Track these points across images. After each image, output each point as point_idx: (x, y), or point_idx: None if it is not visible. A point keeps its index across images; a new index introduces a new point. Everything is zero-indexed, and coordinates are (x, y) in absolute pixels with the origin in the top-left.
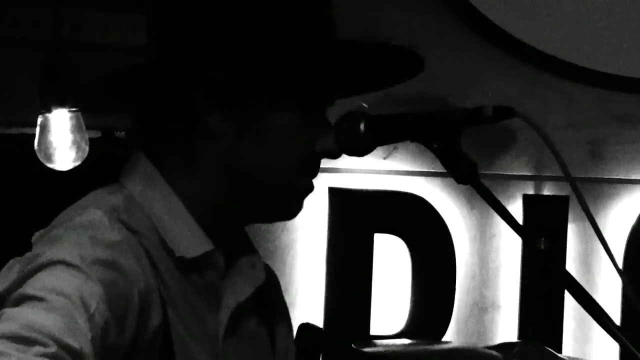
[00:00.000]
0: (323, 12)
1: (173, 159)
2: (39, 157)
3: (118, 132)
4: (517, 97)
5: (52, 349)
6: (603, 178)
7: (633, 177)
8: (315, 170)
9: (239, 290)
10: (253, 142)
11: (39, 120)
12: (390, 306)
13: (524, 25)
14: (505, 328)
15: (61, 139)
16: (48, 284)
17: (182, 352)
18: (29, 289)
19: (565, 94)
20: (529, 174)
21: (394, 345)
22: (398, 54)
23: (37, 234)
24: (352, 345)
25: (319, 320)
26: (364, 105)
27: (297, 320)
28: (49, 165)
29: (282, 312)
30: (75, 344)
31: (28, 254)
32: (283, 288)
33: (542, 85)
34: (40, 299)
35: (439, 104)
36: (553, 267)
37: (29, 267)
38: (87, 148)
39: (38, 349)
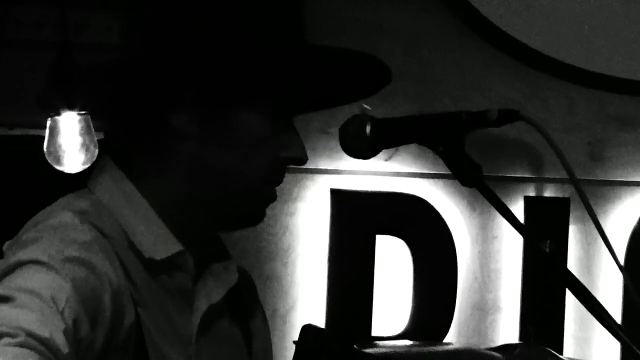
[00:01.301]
0: (292, 18)
1: (141, 162)
2: (49, 159)
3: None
4: (517, 99)
5: (21, 338)
6: (603, 180)
7: (633, 179)
8: (280, 177)
9: (211, 292)
10: (219, 146)
11: (48, 122)
12: (391, 307)
13: (524, 27)
14: (507, 329)
15: (70, 142)
16: (18, 284)
17: (155, 353)
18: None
19: (565, 96)
20: (530, 175)
21: (395, 346)
22: (366, 61)
23: (7, 243)
24: (354, 346)
25: (320, 322)
26: (367, 107)
27: (298, 321)
28: (58, 168)
29: (257, 312)
30: (45, 333)
31: (0, 261)
32: (284, 289)
33: (543, 88)
34: (10, 298)
35: (439, 107)
36: (557, 269)
37: (0, 271)
38: (96, 151)
39: (6, 339)
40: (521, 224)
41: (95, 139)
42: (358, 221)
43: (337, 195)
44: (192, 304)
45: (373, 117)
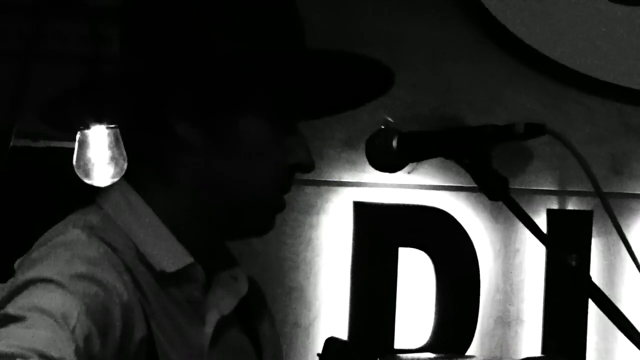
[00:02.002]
0: (291, 24)
1: (147, 173)
2: (78, 173)
3: None
4: (538, 111)
5: (33, 359)
6: (625, 193)
7: None
8: (288, 185)
9: (222, 303)
10: (223, 155)
11: (77, 136)
12: (414, 320)
13: (545, 40)
14: (529, 342)
15: (99, 155)
16: (28, 303)
17: None
18: (10, 309)
19: (587, 109)
20: (553, 188)
21: (418, 358)
22: (366, 64)
23: (18, 261)
24: (377, 358)
25: (343, 334)
26: (390, 119)
27: (321, 334)
28: (88, 182)
29: (265, 319)
30: (57, 353)
31: (10, 280)
32: (307, 302)
33: (564, 100)
34: (21, 318)
35: (461, 119)
36: (582, 282)
37: (9, 290)
38: (125, 164)
39: None
40: (548, 238)
41: (124, 152)
42: (381, 234)
43: (360, 208)
44: (202, 315)
45: (400, 131)
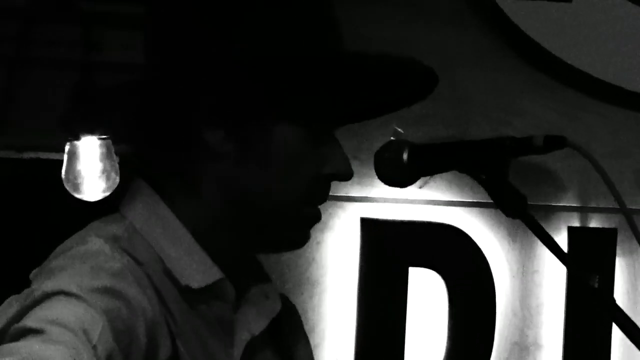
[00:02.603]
0: (330, 25)
1: (175, 184)
2: (67, 187)
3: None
4: (558, 123)
5: None
6: None
7: None
8: (324, 196)
9: (252, 323)
10: (257, 165)
11: (67, 147)
12: (425, 345)
13: (566, 45)
14: None
15: (90, 168)
16: (48, 316)
17: None
18: (28, 322)
19: (609, 120)
20: (575, 205)
21: None
22: (407, 65)
23: (35, 271)
24: None
25: None
26: (400, 130)
27: (326, 359)
28: (77, 196)
29: (301, 341)
30: None
31: (26, 290)
32: (311, 325)
33: (585, 110)
34: (40, 332)
35: (475, 130)
36: (605, 305)
37: (27, 301)
38: (117, 178)
39: None
40: (568, 257)
41: (117, 165)
42: (390, 252)
43: (368, 225)
44: (232, 334)
45: (411, 143)
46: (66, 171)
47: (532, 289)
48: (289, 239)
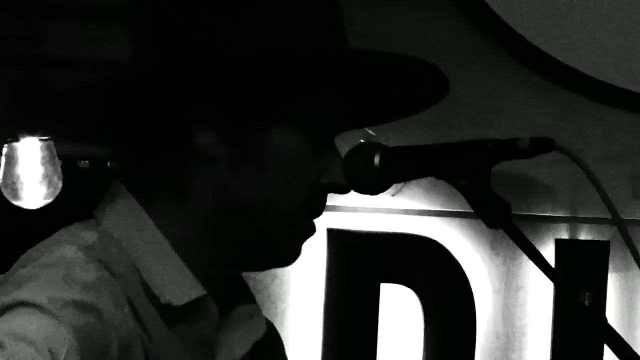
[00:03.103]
0: (333, 22)
1: (158, 190)
2: (4, 193)
3: (82, 162)
4: (549, 124)
5: None
6: None
7: None
8: (321, 207)
9: (235, 345)
10: (252, 171)
11: (4, 149)
12: None
13: (557, 42)
14: None
15: (30, 173)
16: (10, 329)
17: None
18: None
19: (603, 121)
20: (563, 215)
21: None
22: (421, 69)
23: None
24: None
25: None
26: (371, 132)
27: None
28: (15, 203)
29: None
30: None
31: None
32: None
33: (578, 111)
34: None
35: (458, 133)
36: (597, 325)
37: None
38: (60, 183)
39: None
40: (556, 272)
41: (60, 170)
42: (359, 267)
43: (335, 237)
44: (213, 356)
45: (383, 146)
46: (4, 176)
47: (517, 307)
48: (281, 253)
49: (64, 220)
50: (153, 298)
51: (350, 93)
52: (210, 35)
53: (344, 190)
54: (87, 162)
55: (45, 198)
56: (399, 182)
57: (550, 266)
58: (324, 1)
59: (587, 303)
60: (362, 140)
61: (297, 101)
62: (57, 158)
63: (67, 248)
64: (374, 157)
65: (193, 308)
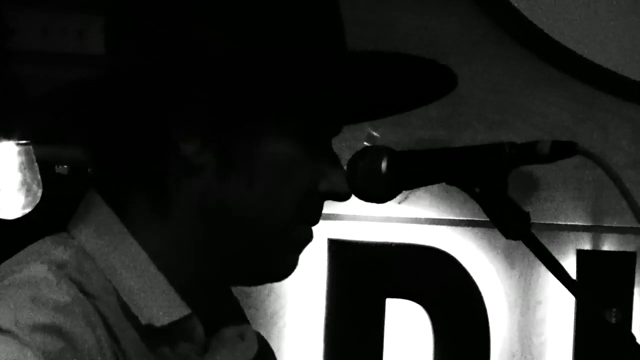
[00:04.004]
0: (330, 22)
1: (140, 201)
2: None
3: (59, 167)
4: (568, 125)
5: None
6: None
7: None
8: (317, 215)
9: None
10: (240, 179)
11: None
12: None
13: (578, 34)
14: None
15: (7, 180)
16: None
17: None
18: None
19: (628, 121)
20: (585, 224)
21: None
22: (424, 67)
23: None
24: None
25: None
26: (375, 134)
27: None
28: None
29: None
30: None
31: None
32: None
33: (601, 110)
34: None
35: (468, 134)
36: (625, 346)
37: None
38: (40, 191)
39: None
40: (580, 287)
41: (39, 176)
42: (363, 280)
43: (337, 247)
44: None
45: (390, 150)
46: None
47: (534, 324)
48: (275, 266)
49: (36, 232)
50: (132, 319)
51: (347, 93)
52: (195, 30)
53: (343, 197)
54: (65, 167)
55: (23, 207)
56: (407, 189)
57: (573, 280)
58: (319, 0)
59: (613, 320)
60: (365, 143)
61: (290, 104)
62: (36, 164)
63: (36, 266)
64: (380, 162)
65: (176, 329)
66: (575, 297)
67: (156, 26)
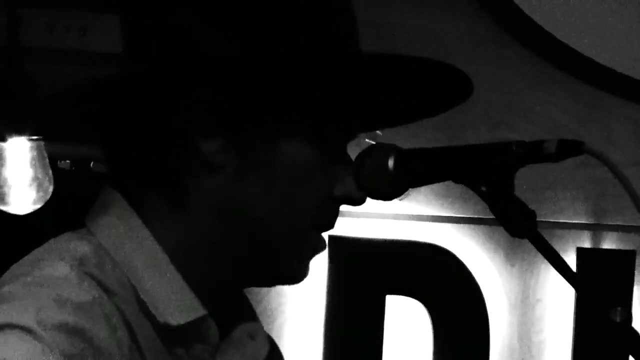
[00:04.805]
0: (345, 22)
1: (156, 199)
2: None
3: (62, 162)
4: (571, 125)
5: None
6: None
7: None
8: (331, 221)
9: None
10: (260, 181)
11: None
12: None
13: (582, 34)
14: None
15: (19, 175)
16: None
17: None
18: None
19: (632, 121)
20: (585, 222)
21: None
22: (442, 72)
23: None
24: None
25: None
26: (378, 132)
27: None
28: (2, 208)
29: None
30: None
31: None
32: None
33: (604, 110)
34: None
35: (472, 134)
36: (630, 346)
37: None
38: (51, 187)
39: None
40: (589, 288)
41: (50, 172)
42: (363, 277)
43: (337, 244)
44: None
45: (397, 148)
46: None
47: (534, 321)
48: (289, 270)
49: (49, 227)
50: (150, 318)
51: (363, 96)
52: (215, 31)
53: (358, 202)
54: (67, 162)
55: (34, 203)
56: (414, 186)
57: (580, 279)
58: (331, 2)
59: (618, 319)
60: (367, 140)
61: (308, 107)
62: (47, 159)
63: (57, 264)
64: (387, 159)
65: (191, 329)
66: (582, 297)
67: (179, 32)
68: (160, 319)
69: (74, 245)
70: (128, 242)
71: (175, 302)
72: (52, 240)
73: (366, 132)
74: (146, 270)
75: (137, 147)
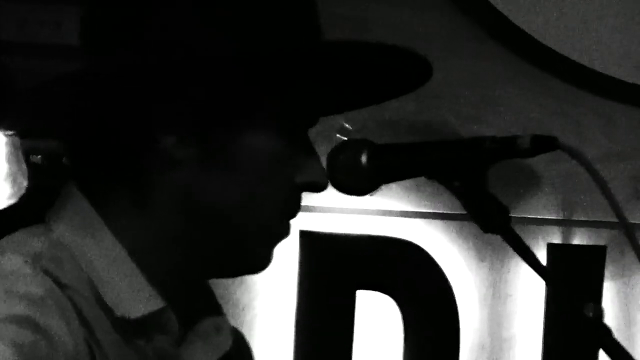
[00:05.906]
0: (306, 15)
1: (119, 194)
2: None
3: (33, 157)
4: (543, 119)
5: None
6: None
7: None
8: (295, 209)
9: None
10: (221, 174)
11: None
12: None
13: (552, 31)
14: None
15: None
16: None
17: None
18: None
19: (603, 117)
20: (556, 217)
21: None
22: (400, 56)
23: None
24: None
25: None
26: (348, 126)
27: None
28: None
29: None
30: None
31: None
32: None
33: (574, 105)
34: None
35: (444, 128)
36: (602, 341)
37: None
38: (24, 182)
39: None
40: (566, 286)
41: (24, 167)
42: (334, 272)
43: (308, 239)
44: None
45: (370, 143)
46: None
47: (504, 317)
48: (253, 259)
49: (14, 223)
50: (107, 311)
51: (325, 85)
52: (172, 31)
53: (321, 188)
54: (39, 157)
55: (9, 198)
56: (388, 182)
57: (553, 275)
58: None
59: (590, 315)
60: (338, 135)
61: (267, 101)
62: (21, 154)
63: (11, 258)
64: (361, 155)
65: (151, 321)
66: (555, 292)
67: (140, 30)
68: (118, 312)
69: (30, 240)
70: (85, 237)
71: (133, 295)
72: (8, 236)
73: (326, 116)
74: (103, 265)
75: (98, 142)
